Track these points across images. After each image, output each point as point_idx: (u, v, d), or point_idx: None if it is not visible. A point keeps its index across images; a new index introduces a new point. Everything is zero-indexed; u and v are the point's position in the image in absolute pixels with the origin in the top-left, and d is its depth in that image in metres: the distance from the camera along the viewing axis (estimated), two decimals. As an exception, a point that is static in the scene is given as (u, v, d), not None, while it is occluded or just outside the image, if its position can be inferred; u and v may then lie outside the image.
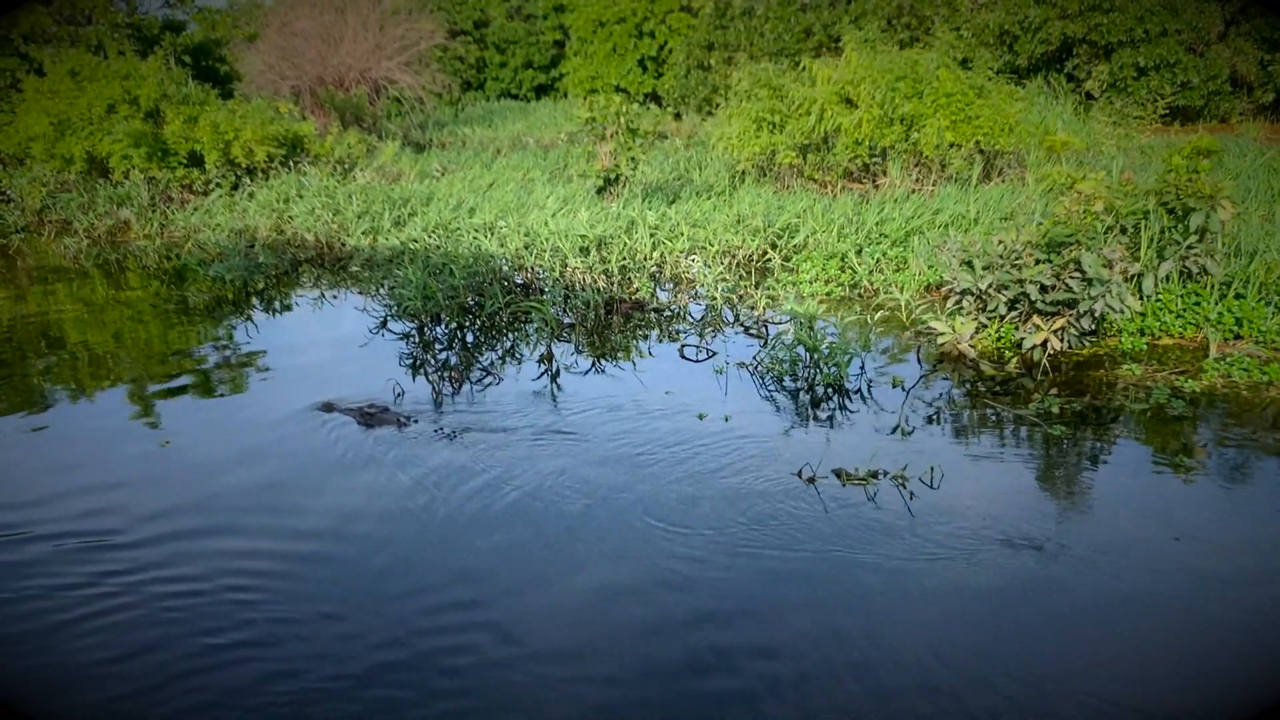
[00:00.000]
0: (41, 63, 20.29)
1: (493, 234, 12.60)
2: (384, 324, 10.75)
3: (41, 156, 18.39)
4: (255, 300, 11.88)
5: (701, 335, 9.91)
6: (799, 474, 6.27)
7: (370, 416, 7.40)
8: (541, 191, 16.70)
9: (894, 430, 7.17)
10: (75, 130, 18.29)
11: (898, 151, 16.39)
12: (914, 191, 15.43)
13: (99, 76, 18.71)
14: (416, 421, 7.42)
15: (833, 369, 8.11)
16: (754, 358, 8.83)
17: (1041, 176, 12.65)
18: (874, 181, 16.86)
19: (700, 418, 7.44)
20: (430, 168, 21.21)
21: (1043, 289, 8.56)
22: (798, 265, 12.11)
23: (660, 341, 9.74)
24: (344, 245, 14.03)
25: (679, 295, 11.18)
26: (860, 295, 11.00)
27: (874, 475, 6.22)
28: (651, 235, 12.25)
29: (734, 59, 36.03)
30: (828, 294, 10.90)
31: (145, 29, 22.79)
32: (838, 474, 6.26)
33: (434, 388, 8.26)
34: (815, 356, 8.23)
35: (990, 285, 8.80)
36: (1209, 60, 28.77)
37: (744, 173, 17.96)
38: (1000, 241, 9.02)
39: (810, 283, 11.24)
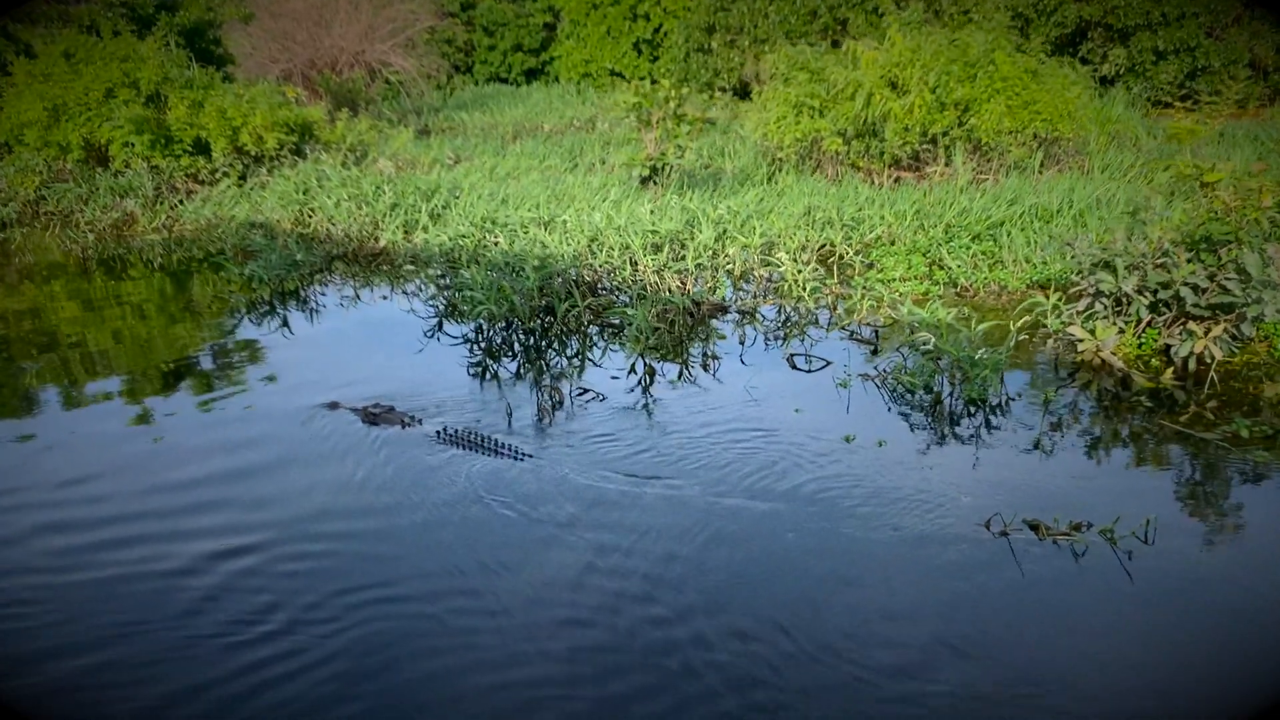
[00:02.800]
0: (30, 44, 19.05)
1: (550, 229, 11.70)
2: (439, 327, 9.86)
3: (35, 144, 17.21)
4: (294, 301, 10.92)
5: (785, 339, 9.11)
6: (987, 525, 5.41)
7: (375, 416, 7.05)
8: (572, 181, 15.82)
9: (1035, 448, 6.41)
10: (72, 116, 17.12)
11: (952, 138, 15.61)
12: (974, 181, 14.67)
13: (95, 58, 17.53)
14: (421, 422, 6.98)
15: (977, 382, 7.32)
16: (877, 369, 8.03)
17: (1164, 167, 11.93)
18: (924, 170, 16.09)
19: (847, 440, 6.63)
20: (443, 155, 20.21)
21: (1195, 291, 7.82)
22: (878, 261, 11.32)
23: (750, 346, 8.90)
24: (377, 241, 13.06)
25: (760, 296, 10.36)
26: (959, 294, 10.22)
27: (1077, 528, 5.34)
28: (721, 229, 11.40)
29: (736, 42, 35.17)
30: (924, 293, 10.11)
31: (140, 8, 21.55)
32: (1033, 526, 5.35)
33: (536, 404, 7.38)
34: (959, 369, 7.45)
35: (1133, 287, 8.03)
36: (1227, 44, 28.22)
37: (781, 160, 17.12)
38: (1140, 238, 8.27)
39: (901, 281, 10.45)
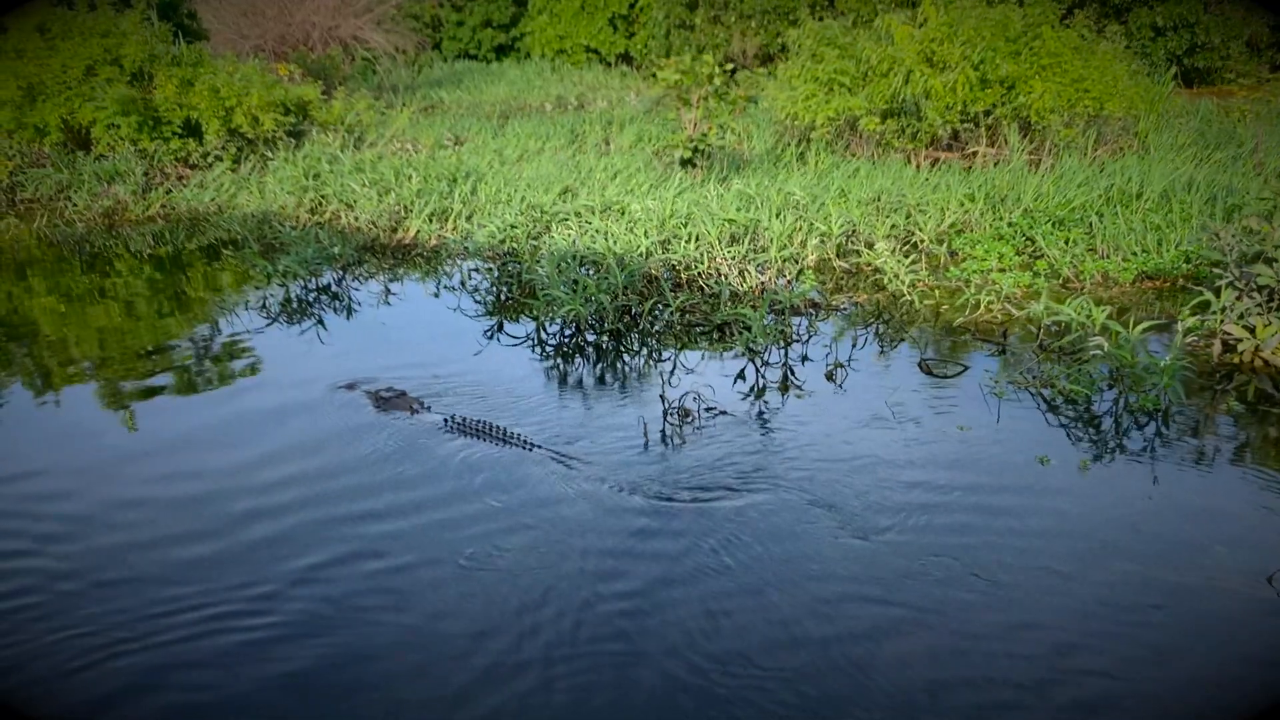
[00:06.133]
0: (-2, 18, 17.60)
1: (607, 217, 10.79)
2: (500, 327, 8.97)
3: (9, 126, 15.87)
4: (336, 298, 9.92)
5: (890, 339, 8.35)
6: (1270, 580, 4.63)
7: (385, 401, 6.93)
8: (592, 163, 14.93)
9: (1251, 470, 5.72)
10: (49, 95, 15.81)
11: (997, 117, 14.94)
12: (1028, 162, 14.00)
13: (73, 33, 16.20)
14: (430, 409, 6.77)
15: (1151, 391, 6.62)
16: (1025, 374, 7.29)
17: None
18: (966, 150, 15.40)
19: (1042, 462, 5.88)
20: (441, 136, 19.15)
21: (1371, 286, 7.19)
22: (961, 250, 10.61)
23: (860, 348, 8.12)
24: (407, 230, 12.05)
25: (847, 290, 9.59)
26: (1063, 286, 9.52)
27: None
28: (799, 217, 10.59)
29: (721, 18, 34.28)
30: (1028, 285, 9.40)
31: (114, -21, 20.06)
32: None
33: (662, 421, 6.54)
34: (1128, 375, 6.74)
35: (1295, 281, 7.38)
36: (1225, 20, 27.92)
37: (811, 140, 16.30)
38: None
39: (998, 271, 9.72)
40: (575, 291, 8.44)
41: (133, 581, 4.72)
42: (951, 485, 5.58)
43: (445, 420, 6.53)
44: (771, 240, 9.88)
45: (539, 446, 6.10)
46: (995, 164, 14.30)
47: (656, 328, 8.61)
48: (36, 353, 8.47)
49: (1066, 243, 10.38)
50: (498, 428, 6.29)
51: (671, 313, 8.55)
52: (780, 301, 8.38)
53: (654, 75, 36.52)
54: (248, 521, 5.29)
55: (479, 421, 6.38)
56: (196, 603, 4.52)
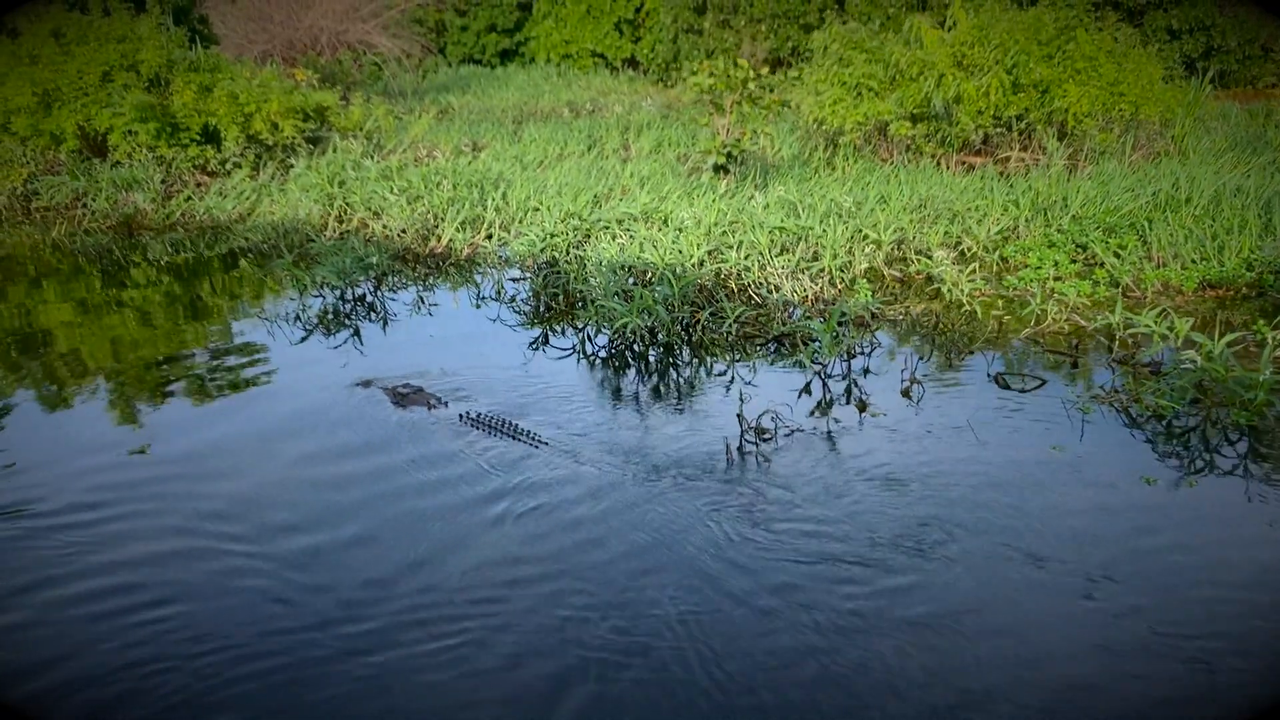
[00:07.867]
0: (13, 23, 17.32)
1: (650, 224, 10.54)
2: (545, 339, 8.72)
3: (24, 132, 15.59)
4: (371, 311, 9.67)
5: (948, 354, 8.10)
6: None
7: (403, 397, 7.02)
8: (621, 170, 14.71)
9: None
10: (65, 102, 15.54)
11: (1031, 121, 14.74)
12: (1066, 167, 13.78)
13: (89, 39, 15.93)
14: (448, 405, 6.91)
15: (1245, 407, 6.38)
16: (1106, 389, 7.05)
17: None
18: (997, 154, 15.18)
19: (1148, 483, 5.63)
20: (460, 142, 18.90)
21: None
22: (1012, 258, 10.37)
23: (923, 360, 7.87)
24: (439, 240, 11.78)
25: (900, 300, 9.35)
26: (1125, 295, 9.27)
27: None
28: (851, 224, 10.35)
29: (730, 22, 34.06)
30: (1090, 295, 9.16)
31: (127, -17, 19.78)
32: None
33: (740, 440, 6.28)
34: (1221, 390, 6.49)
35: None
36: (1240, 22, 27.76)
37: (835, 145, 16.09)
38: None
39: (1055, 280, 9.48)
40: (629, 303, 8.19)
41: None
42: (1082, 512, 5.32)
43: (460, 416, 6.63)
44: (824, 248, 9.62)
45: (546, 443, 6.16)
46: (1029, 169, 14.10)
47: (709, 339, 8.37)
48: (73, 360, 8.21)
49: (1121, 249, 10.14)
50: (511, 424, 6.37)
51: (729, 325, 8.29)
52: (845, 313, 8.12)
53: (660, 81, 36.42)
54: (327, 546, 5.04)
55: (493, 418, 6.49)
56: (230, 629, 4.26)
